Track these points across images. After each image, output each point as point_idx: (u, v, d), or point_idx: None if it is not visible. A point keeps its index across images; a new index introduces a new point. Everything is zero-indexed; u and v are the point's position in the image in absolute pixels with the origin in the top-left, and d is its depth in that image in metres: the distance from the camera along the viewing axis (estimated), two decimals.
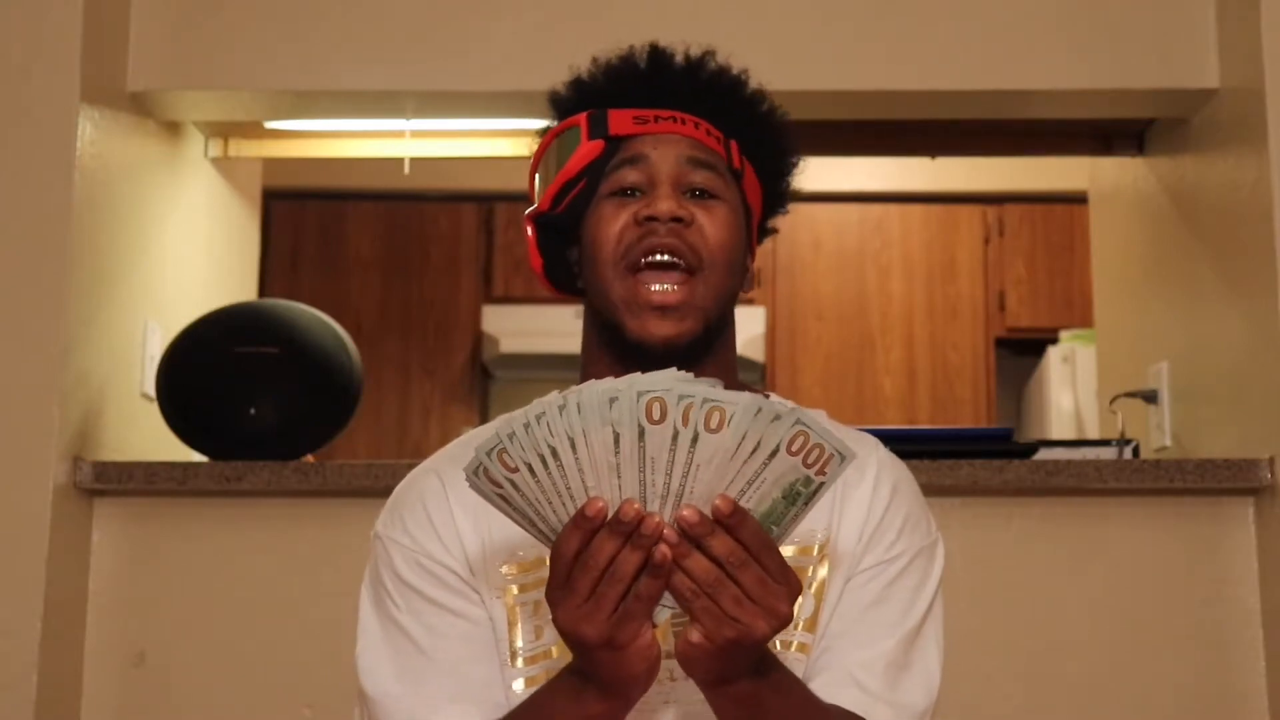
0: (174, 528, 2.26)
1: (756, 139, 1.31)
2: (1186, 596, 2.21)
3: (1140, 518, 2.23)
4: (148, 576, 2.25)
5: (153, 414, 2.39)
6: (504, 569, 1.21)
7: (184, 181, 2.71)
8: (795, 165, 1.36)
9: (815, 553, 1.22)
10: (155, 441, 2.43)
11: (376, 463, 2.18)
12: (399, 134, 2.74)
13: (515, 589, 1.20)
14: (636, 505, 0.93)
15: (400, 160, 2.76)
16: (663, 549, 0.93)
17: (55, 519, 2.11)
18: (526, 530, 0.99)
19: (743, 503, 0.95)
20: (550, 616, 0.99)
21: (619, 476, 0.94)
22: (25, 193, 2.18)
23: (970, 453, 2.19)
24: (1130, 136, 2.76)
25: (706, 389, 0.93)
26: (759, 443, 0.93)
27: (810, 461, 0.94)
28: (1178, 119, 2.53)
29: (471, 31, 2.40)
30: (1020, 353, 4.85)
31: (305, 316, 2.38)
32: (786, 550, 0.97)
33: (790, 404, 0.93)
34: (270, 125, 2.73)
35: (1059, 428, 4.35)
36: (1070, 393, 4.38)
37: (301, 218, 4.82)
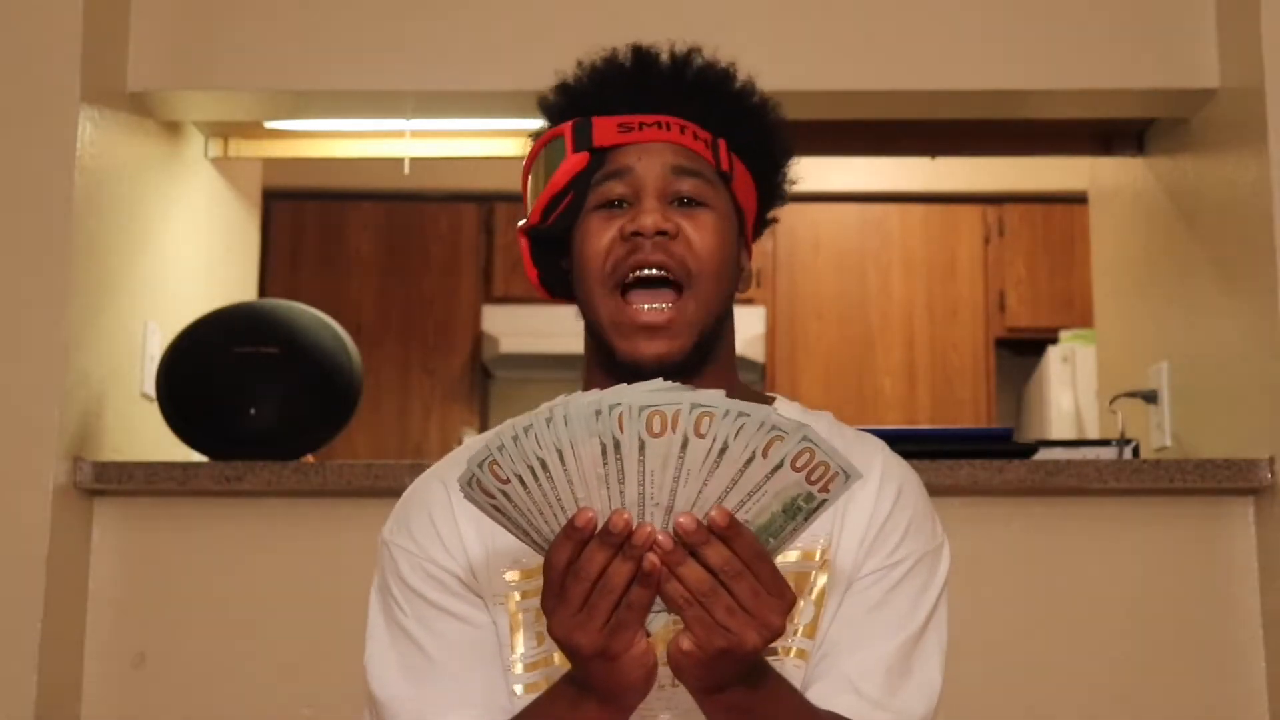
0: (174, 528, 2.26)
1: (746, 133, 1.30)
2: (1186, 596, 2.21)
3: (1140, 518, 2.23)
4: (148, 576, 2.25)
5: (153, 414, 2.39)
6: (507, 575, 1.21)
7: (184, 181, 2.71)
8: (788, 155, 1.35)
9: (817, 558, 1.21)
10: (155, 441, 2.43)
11: (376, 463, 2.18)
12: (399, 134, 2.74)
13: (518, 595, 1.21)
14: (626, 516, 0.93)
15: (400, 160, 2.77)
16: (651, 558, 0.93)
17: (55, 519, 2.11)
18: (521, 540, 0.99)
19: (741, 513, 0.95)
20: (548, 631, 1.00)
21: (607, 487, 0.94)
22: (25, 193, 2.18)
23: (970, 453, 2.19)
24: (1130, 136, 2.76)
25: (694, 395, 0.92)
26: (754, 453, 0.93)
27: (814, 479, 0.94)
28: (1178, 119, 2.53)
29: (471, 31, 2.40)
30: (1020, 353, 4.85)
31: (305, 316, 2.38)
32: (789, 555, 0.97)
33: (798, 406, 0.92)
34: (270, 125, 2.73)
35: (1059, 428, 4.35)
36: (1070, 393, 4.38)
37: (301, 218, 4.82)
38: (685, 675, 0.99)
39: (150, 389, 2.41)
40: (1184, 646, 2.19)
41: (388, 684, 1.21)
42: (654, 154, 1.25)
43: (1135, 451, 2.41)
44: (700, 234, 1.23)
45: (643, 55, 1.31)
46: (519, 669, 1.20)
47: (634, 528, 0.93)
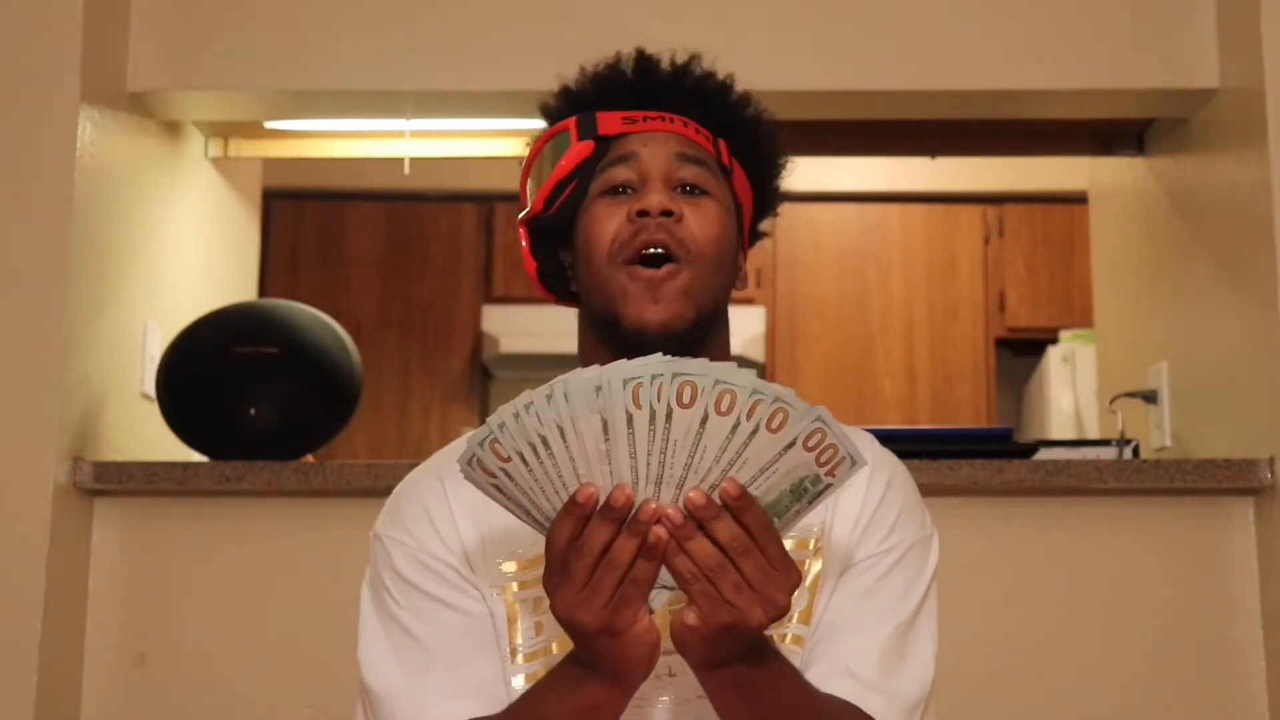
0: (174, 528, 2.26)
1: (744, 141, 1.32)
2: (1186, 596, 2.21)
3: (1140, 518, 2.23)
4: (148, 576, 2.25)
5: (153, 414, 2.39)
6: (503, 566, 1.21)
7: (184, 181, 2.71)
8: (784, 167, 1.36)
9: (811, 545, 1.22)
10: (155, 441, 2.43)
11: (376, 463, 2.18)
12: (399, 134, 2.74)
13: (515, 585, 1.21)
14: (628, 491, 0.93)
15: (400, 160, 2.76)
16: (657, 530, 0.93)
17: (55, 519, 2.11)
18: (522, 520, 0.99)
19: (752, 489, 0.95)
20: (550, 611, 1.00)
21: (609, 463, 0.93)
22: (25, 193, 2.18)
23: (970, 453, 2.19)
24: (1130, 136, 2.76)
25: (702, 366, 0.92)
26: (759, 426, 0.92)
27: (824, 460, 0.95)
28: (1178, 119, 2.53)
29: (471, 31, 2.40)
30: (1020, 353, 4.85)
31: (305, 316, 2.39)
32: (785, 543, 0.97)
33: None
34: (270, 125, 2.73)
35: (1059, 428, 4.35)
36: (1070, 393, 4.38)
37: (301, 218, 4.82)
38: (688, 650, 0.99)
39: (150, 389, 2.41)
40: (1184, 646, 2.19)
41: (383, 675, 1.21)
42: (659, 141, 1.26)
43: (1135, 451, 2.41)
44: (702, 220, 1.24)
45: (645, 59, 1.32)
46: (518, 659, 1.20)
47: (636, 503, 0.93)
